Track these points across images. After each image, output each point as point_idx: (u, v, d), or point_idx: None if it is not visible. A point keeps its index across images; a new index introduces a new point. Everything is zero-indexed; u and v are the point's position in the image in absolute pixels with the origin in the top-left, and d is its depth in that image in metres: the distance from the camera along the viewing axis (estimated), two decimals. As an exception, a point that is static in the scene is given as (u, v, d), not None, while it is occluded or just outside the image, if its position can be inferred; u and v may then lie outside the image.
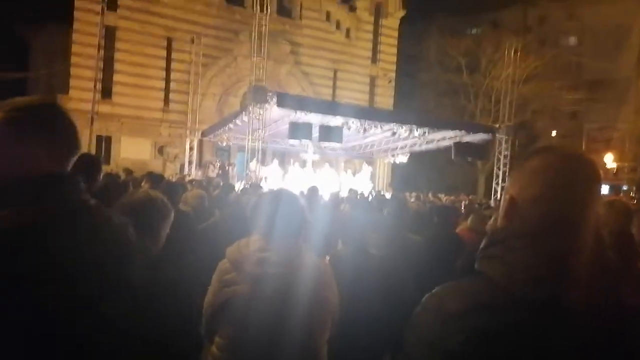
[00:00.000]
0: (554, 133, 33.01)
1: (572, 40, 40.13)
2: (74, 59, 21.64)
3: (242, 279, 1.49)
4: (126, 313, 1.16)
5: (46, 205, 1.06)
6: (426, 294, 0.97)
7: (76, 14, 22.20)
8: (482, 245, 0.94)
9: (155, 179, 4.61)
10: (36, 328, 0.96)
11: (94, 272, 1.05)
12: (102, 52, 19.68)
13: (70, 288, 1.00)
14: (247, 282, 1.48)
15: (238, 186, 11.96)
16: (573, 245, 0.85)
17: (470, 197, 17.54)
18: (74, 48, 22.12)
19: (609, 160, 28.42)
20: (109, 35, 22.40)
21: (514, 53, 19.04)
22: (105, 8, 20.02)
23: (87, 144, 17.67)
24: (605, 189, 28.00)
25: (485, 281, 0.87)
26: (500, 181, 17.84)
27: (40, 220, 1.02)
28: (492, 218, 0.97)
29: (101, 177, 3.11)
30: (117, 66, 23.13)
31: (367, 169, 20.28)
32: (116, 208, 1.79)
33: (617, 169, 28.81)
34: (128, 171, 11.54)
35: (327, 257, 2.94)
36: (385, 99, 29.37)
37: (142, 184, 5.34)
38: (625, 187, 28.24)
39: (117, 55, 22.75)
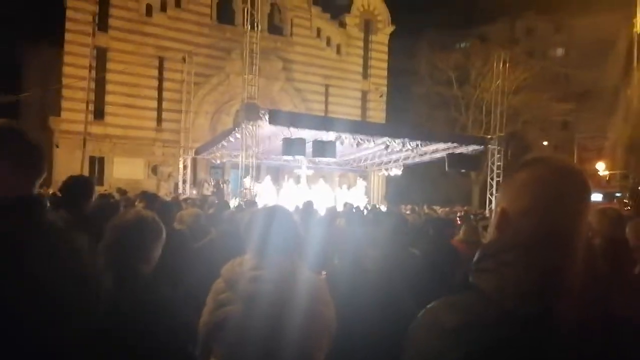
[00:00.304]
0: (545, 143, 33.29)
1: (560, 51, 40.81)
2: (65, 81, 21.68)
3: (236, 298, 1.49)
4: (89, 329, 1.19)
5: (5, 226, 1.08)
6: (422, 308, 0.97)
7: (67, 35, 22.31)
8: (475, 259, 0.94)
9: (149, 198, 4.59)
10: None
11: (46, 291, 1.07)
12: (93, 73, 19.74)
13: (15, 306, 1.02)
14: (241, 301, 1.48)
15: (233, 203, 11.93)
16: (564, 257, 0.85)
17: (465, 208, 17.60)
18: (66, 70, 22.17)
19: (601, 169, 28.65)
20: (101, 56, 22.51)
21: (503, 64, 19.30)
22: (96, 29, 20.17)
23: (79, 165, 17.59)
24: (598, 197, 28.15)
25: (479, 295, 0.87)
26: (494, 191, 17.92)
27: None
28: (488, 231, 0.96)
29: (94, 198, 3.11)
30: (109, 87, 23.18)
31: (361, 183, 20.31)
32: (107, 229, 1.78)
33: (609, 176, 29.03)
34: (121, 191, 11.52)
35: (324, 273, 2.93)
36: (378, 113, 29.60)
37: (136, 203, 5.32)
38: (618, 194, 28.40)
39: (109, 76, 22.82)
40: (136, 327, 1.55)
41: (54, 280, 1.09)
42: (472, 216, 10.99)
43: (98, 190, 13.84)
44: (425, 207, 16.56)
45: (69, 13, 22.39)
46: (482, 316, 0.84)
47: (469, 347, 0.82)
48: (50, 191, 10.14)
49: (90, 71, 18.68)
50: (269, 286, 1.48)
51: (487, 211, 16.12)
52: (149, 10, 24.22)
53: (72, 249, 1.20)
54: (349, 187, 20.43)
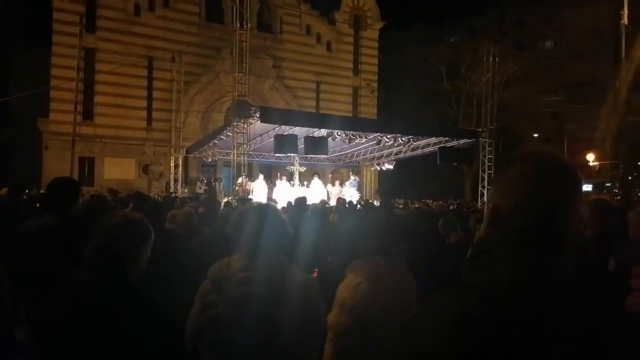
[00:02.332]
0: (535, 135, 33.51)
1: (549, 43, 41.01)
2: (53, 82, 21.43)
3: (224, 300, 1.45)
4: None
5: None
6: (418, 304, 0.95)
7: (54, 37, 22.04)
8: (467, 255, 0.93)
9: (139, 198, 4.55)
10: None
11: None
12: (82, 74, 19.55)
13: None
14: (229, 303, 1.44)
15: (224, 201, 11.89)
16: (557, 252, 0.85)
17: (457, 201, 17.65)
18: (54, 71, 21.93)
19: (591, 159, 28.92)
20: (89, 56, 22.28)
21: (493, 58, 19.36)
22: (84, 30, 19.97)
23: (69, 167, 17.43)
24: (589, 187, 28.41)
25: (472, 292, 0.86)
26: (485, 184, 18.02)
27: None
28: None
29: (80, 199, 3.06)
30: (98, 87, 22.96)
31: (354, 178, 20.34)
32: (95, 232, 1.75)
33: (599, 167, 29.31)
34: (113, 191, 11.43)
35: (316, 270, 2.91)
36: (369, 109, 29.60)
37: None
38: (608, 184, 28.69)
39: (98, 77, 22.60)
40: (124, 329, 1.52)
41: None
42: (464, 209, 11.03)
43: (89, 191, 13.73)
44: (415, 201, 16.60)
45: (56, 14, 22.12)
46: (476, 315, 0.83)
47: (464, 346, 0.80)
48: (40, 192, 10.02)
49: (78, 72, 18.51)
50: (259, 288, 1.45)
51: (479, 204, 16.19)
52: (137, 10, 23.97)
53: None
54: (341, 183, 20.44)
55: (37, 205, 7.29)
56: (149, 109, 24.23)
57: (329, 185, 19.90)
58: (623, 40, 18.40)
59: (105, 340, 1.56)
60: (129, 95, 23.45)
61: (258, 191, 16.92)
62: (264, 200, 13.12)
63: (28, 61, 27.65)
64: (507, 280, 0.83)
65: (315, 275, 3.11)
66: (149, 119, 24.25)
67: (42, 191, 12.58)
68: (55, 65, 21.92)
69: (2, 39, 26.92)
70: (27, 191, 12.80)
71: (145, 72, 23.94)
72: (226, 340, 1.43)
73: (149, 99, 24.22)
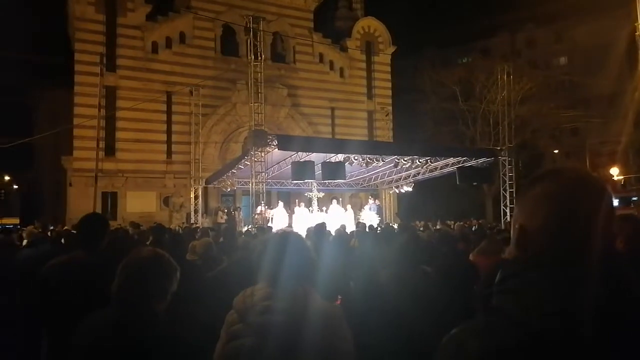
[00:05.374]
0: (556, 151, 33.04)
1: (562, 60, 40.87)
2: (76, 120, 22.10)
3: (248, 330, 1.43)
4: None
5: None
6: (438, 327, 0.92)
7: (76, 77, 22.85)
8: (497, 279, 0.90)
9: (157, 231, 4.59)
10: None
11: None
12: (103, 111, 20.09)
13: None
14: (253, 333, 1.42)
15: (244, 229, 11.92)
16: (588, 272, 0.80)
17: (479, 221, 17.37)
18: (76, 110, 22.63)
19: (615, 173, 28.26)
20: (110, 94, 22.96)
21: (507, 76, 19.31)
22: (105, 69, 20.64)
23: (92, 202, 17.74)
24: (615, 202, 27.58)
25: (503, 318, 0.82)
26: (508, 203, 17.70)
27: None
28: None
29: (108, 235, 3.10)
30: (119, 124, 23.58)
31: (373, 202, 20.22)
32: (123, 266, 1.76)
33: (624, 181, 28.59)
34: (135, 225, 11.57)
35: (339, 297, 2.87)
36: (385, 132, 29.66)
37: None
38: (635, 198, 27.93)
39: (119, 113, 23.24)
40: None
41: None
42: (487, 230, 10.81)
43: (112, 225, 13.90)
44: (438, 222, 16.38)
45: (78, 56, 23.00)
46: (507, 341, 0.79)
47: None
48: (65, 228, 10.21)
49: (100, 110, 19.00)
50: (281, 317, 1.42)
51: (502, 224, 15.89)
52: (154, 47, 24.79)
53: None
54: (360, 207, 20.33)
55: (62, 241, 7.41)
56: (169, 142, 24.73)
57: (349, 209, 19.80)
58: (639, 52, 18.20)
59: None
60: (150, 129, 24.00)
61: (278, 219, 16.92)
62: (285, 228, 13.09)
63: (50, 102, 28.69)
64: (537, 305, 0.79)
65: (338, 302, 3.06)
66: (169, 152, 24.71)
67: (66, 227, 12.80)
68: (78, 104, 22.63)
69: (26, 81, 28.06)
70: (52, 228, 13.06)
71: (164, 107, 24.53)
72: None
73: (169, 132, 24.74)
